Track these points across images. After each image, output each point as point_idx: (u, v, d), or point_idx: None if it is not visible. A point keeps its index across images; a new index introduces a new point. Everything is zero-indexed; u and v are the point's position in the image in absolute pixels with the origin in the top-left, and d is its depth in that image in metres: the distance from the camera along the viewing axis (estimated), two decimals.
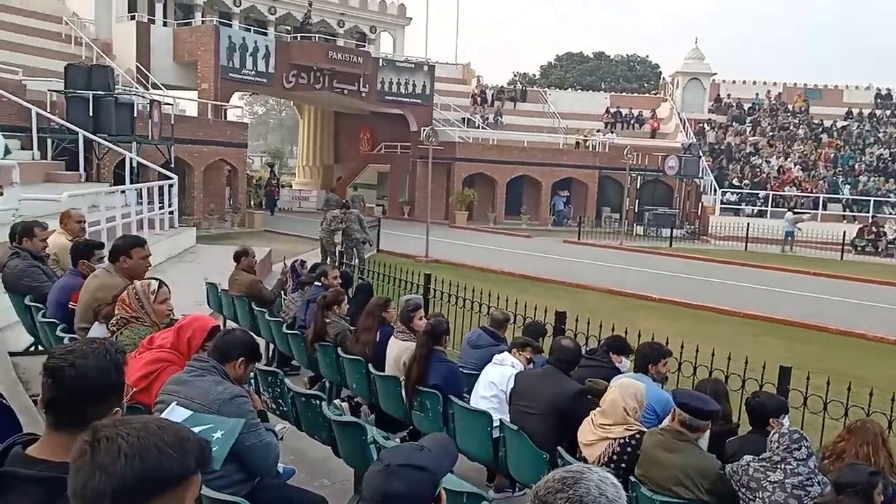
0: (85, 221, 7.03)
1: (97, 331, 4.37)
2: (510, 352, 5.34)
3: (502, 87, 40.44)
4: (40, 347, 6.25)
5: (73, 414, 1.80)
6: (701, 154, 31.33)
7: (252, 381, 4.86)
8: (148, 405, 3.28)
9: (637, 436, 3.91)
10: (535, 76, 63.39)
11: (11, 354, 6.21)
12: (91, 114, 16.39)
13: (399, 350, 5.54)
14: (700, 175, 30.94)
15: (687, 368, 6.24)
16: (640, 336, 6.11)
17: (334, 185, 31.46)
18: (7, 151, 5.75)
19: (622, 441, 3.93)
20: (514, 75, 63.57)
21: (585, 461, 3.94)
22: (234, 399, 3.11)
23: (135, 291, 4.10)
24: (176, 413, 2.80)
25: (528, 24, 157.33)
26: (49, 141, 15.92)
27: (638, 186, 31.37)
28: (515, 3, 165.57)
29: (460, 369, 5.43)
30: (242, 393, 3.22)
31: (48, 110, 16.17)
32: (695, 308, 13.92)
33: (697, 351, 6.28)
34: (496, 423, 4.68)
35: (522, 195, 32.44)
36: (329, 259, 14.07)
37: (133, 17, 26.29)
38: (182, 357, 3.52)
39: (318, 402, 4.49)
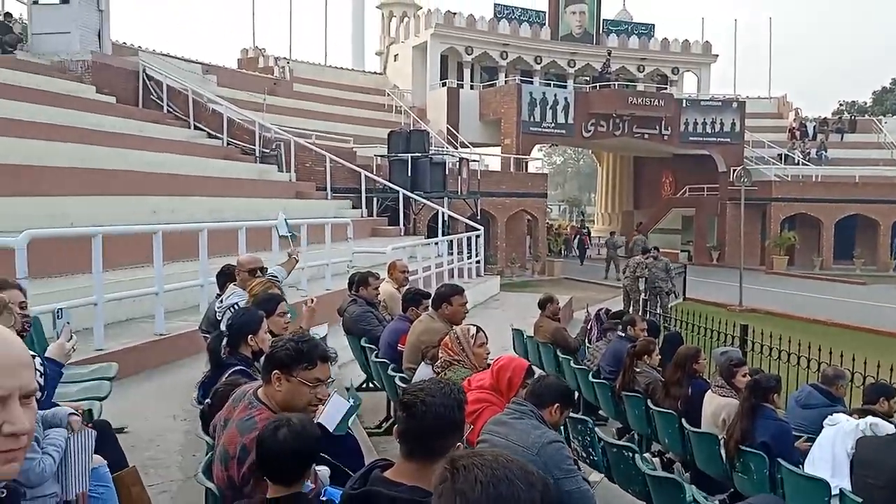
0: (408, 271, 7.74)
1: (423, 371, 4.72)
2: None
3: (825, 118, 36.74)
4: (371, 384, 6.94)
5: (421, 444, 2.04)
6: None
7: (562, 428, 4.88)
8: (471, 444, 3.42)
9: None
10: (865, 104, 56.59)
11: (347, 390, 6.95)
12: (409, 174, 18.25)
13: (717, 406, 5.16)
14: None
15: None
16: None
17: (614, 230, 31.10)
18: (288, 228, 6.58)
19: None
20: (840, 104, 57.26)
21: None
22: (553, 444, 3.14)
23: (456, 336, 4.38)
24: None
25: (854, 47, 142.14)
26: (375, 199, 18.04)
27: None
28: (839, 28, 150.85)
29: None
30: (559, 438, 3.23)
31: (374, 173, 18.32)
32: None
33: None
34: (835, 492, 4.12)
35: (855, 237, 28.81)
36: (632, 307, 13.77)
37: (444, 84, 28.88)
38: (500, 397, 3.64)
39: (630, 454, 4.35)
